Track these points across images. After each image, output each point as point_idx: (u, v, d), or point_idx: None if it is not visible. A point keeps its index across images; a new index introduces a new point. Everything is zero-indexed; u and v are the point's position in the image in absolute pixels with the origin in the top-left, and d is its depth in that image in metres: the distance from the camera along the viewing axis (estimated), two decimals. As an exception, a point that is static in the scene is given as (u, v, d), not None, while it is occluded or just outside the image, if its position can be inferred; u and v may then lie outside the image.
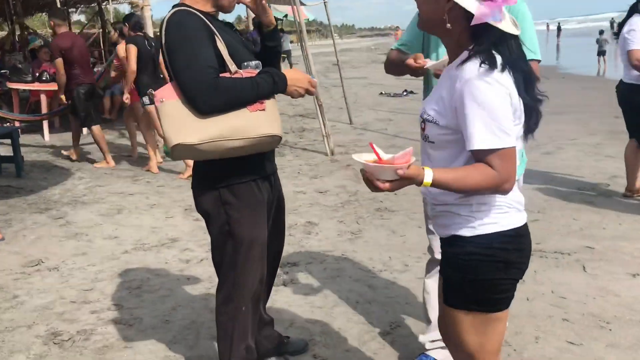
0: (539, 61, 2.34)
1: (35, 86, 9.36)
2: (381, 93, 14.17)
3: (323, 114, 7.62)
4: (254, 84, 2.02)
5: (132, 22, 6.35)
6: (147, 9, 7.54)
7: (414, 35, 2.48)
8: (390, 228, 4.63)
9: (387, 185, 1.51)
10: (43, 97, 9.16)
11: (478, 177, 1.52)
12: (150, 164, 6.75)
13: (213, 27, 2.07)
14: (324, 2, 9.87)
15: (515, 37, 1.60)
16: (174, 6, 2.15)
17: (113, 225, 4.94)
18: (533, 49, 2.23)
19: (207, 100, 1.95)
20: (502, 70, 1.53)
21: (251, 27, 13.92)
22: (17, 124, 8.12)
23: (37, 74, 9.51)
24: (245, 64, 2.11)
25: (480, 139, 1.50)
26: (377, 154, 1.55)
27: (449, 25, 1.57)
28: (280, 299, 3.41)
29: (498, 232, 1.63)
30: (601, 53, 19.54)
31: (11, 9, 10.16)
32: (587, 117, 9.50)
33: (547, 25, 73.27)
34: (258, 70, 2.09)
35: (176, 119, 1.96)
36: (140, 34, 6.28)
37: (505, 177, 1.52)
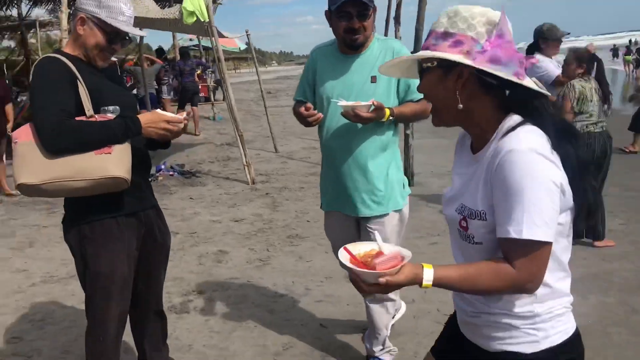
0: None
1: None
2: (310, 121, 14.46)
3: (243, 143, 7.81)
4: (103, 128, 2.11)
5: None
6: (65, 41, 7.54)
7: None
8: (298, 254, 4.84)
9: (373, 288, 1.30)
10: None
11: (491, 278, 1.27)
12: None
13: (77, 72, 2.16)
14: (247, 34, 10.11)
15: (546, 97, 1.34)
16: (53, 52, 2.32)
17: (23, 258, 4.92)
18: None
19: (52, 141, 2.04)
20: (554, 144, 1.27)
21: (178, 57, 14.00)
22: None
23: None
24: (104, 108, 2.18)
25: (516, 226, 1.21)
26: (351, 256, 1.37)
27: (461, 105, 1.33)
28: (182, 325, 3.54)
29: (564, 342, 1.35)
30: None
31: None
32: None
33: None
34: (114, 115, 2.18)
35: (25, 159, 2.08)
36: None
37: (527, 278, 1.25)
